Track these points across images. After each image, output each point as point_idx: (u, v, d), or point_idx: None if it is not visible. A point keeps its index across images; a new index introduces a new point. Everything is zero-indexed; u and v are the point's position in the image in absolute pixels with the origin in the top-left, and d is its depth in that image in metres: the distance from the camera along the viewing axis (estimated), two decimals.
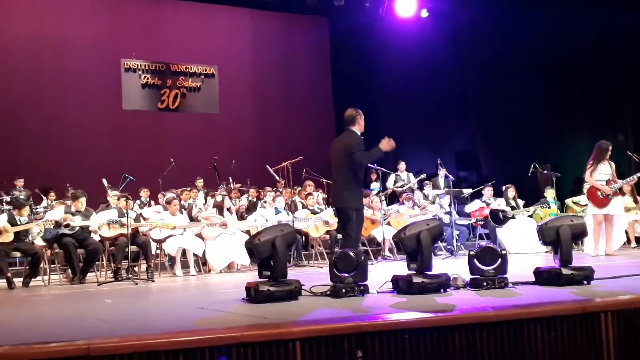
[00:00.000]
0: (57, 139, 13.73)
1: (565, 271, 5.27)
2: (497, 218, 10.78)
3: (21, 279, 8.16)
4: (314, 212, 10.26)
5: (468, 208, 11.28)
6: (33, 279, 8.24)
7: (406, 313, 4.08)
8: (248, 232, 9.55)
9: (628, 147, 11.61)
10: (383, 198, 10.94)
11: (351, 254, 5.20)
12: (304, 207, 10.63)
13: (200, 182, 12.18)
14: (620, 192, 9.00)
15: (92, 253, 8.35)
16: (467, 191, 12.42)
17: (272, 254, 5.12)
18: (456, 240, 10.53)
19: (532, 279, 5.49)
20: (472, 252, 5.35)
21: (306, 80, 16.53)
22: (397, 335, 3.66)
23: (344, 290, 5.07)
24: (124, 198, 8.60)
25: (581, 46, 13.07)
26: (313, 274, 7.78)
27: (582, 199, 10.43)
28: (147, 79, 15.07)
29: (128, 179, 10.87)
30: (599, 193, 8.71)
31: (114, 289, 7.38)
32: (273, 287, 5.00)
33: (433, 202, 11.87)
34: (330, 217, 9.81)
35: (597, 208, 8.76)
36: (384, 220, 10.18)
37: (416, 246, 5.27)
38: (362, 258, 5.23)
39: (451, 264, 8.25)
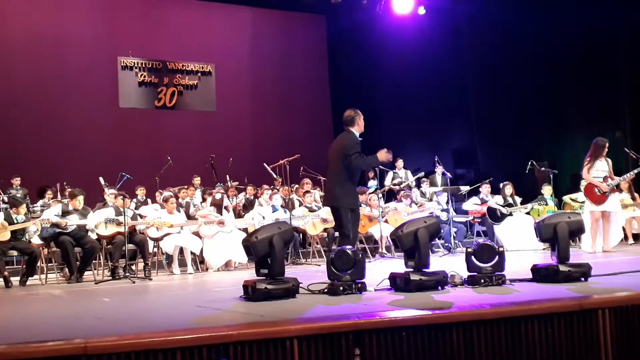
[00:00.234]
0: (53, 137, 13.67)
1: (562, 268, 5.28)
2: (495, 215, 10.81)
3: (18, 278, 8.13)
4: (311, 210, 10.25)
5: (465, 205, 11.30)
6: (30, 278, 8.21)
7: (404, 310, 4.08)
8: (245, 230, 9.55)
9: (625, 144, 11.63)
10: (380, 195, 10.94)
11: (349, 251, 5.21)
12: (301, 204, 10.63)
13: (197, 180, 12.15)
14: (618, 188, 9.02)
15: (90, 251, 8.34)
16: (464, 188, 12.42)
17: (269, 252, 5.13)
18: (454, 237, 10.53)
19: (530, 276, 5.50)
20: (469, 250, 5.35)
21: (304, 78, 16.50)
22: (394, 332, 3.66)
23: (341, 288, 5.07)
24: (121, 196, 8.59)
25: (579, 43, 13.08)
26: (310, 272, 7.78)
27: (580, 195, 10.44)
28: (144, 76, 15.02)
29: (125, 177, 10.86)
30: (596, 190, 8.71)
31: (111, 288, 7.38)
32: (270, 285, 5.01)
33: (430, 200, 11.89)
34: (327, 214, 9.80)
35: (594, 205, 8.76)
36: (382, 217, 10.19)
37: (414, 244, 5.28)
38: (360, 256, 5.23)
39: (449, 262, 8.25)
